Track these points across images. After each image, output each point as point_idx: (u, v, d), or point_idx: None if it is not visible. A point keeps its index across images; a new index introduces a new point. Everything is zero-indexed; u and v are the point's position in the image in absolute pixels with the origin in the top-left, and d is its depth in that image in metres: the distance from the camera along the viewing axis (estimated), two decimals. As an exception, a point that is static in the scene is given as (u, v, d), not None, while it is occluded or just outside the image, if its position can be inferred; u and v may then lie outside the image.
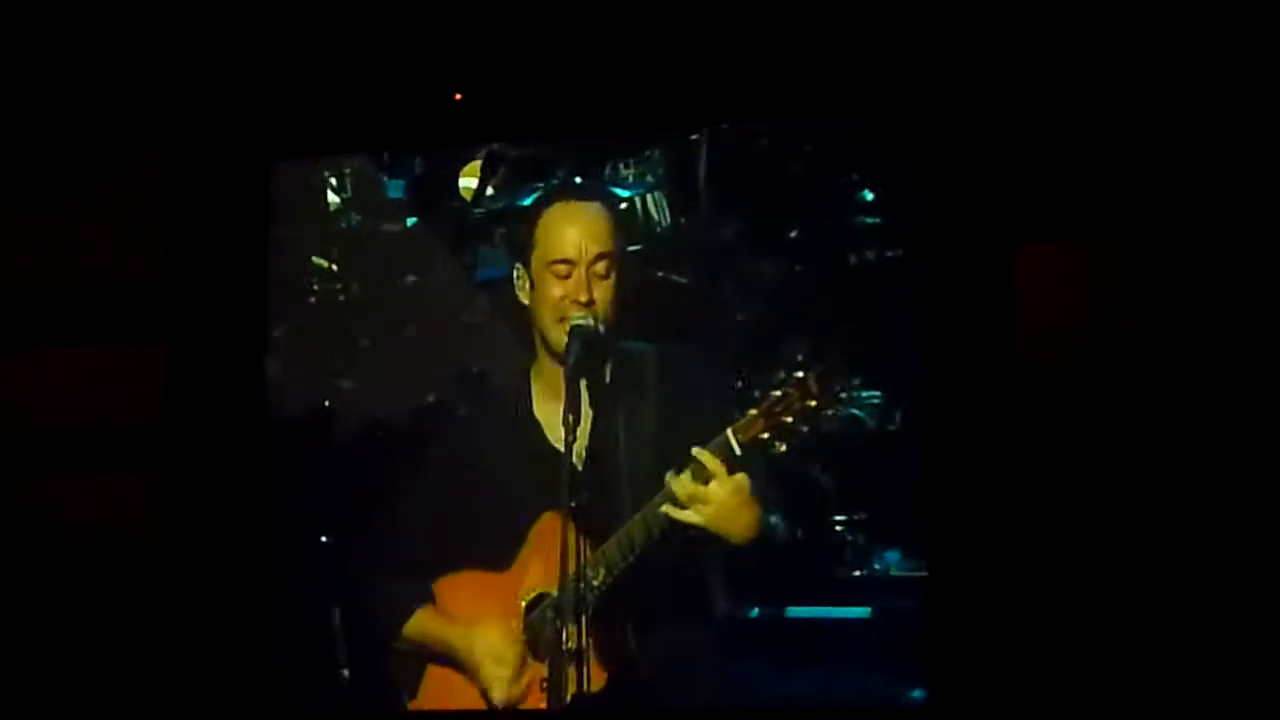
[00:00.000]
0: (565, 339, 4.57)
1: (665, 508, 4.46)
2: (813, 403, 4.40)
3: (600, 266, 4.66)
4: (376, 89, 5.07)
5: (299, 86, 5.11)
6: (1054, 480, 4.56)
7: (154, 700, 5.05)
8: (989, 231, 4.63)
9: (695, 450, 4.43)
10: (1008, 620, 4.51)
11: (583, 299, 4.61)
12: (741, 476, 4.43)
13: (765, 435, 4.41)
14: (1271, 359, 4.45)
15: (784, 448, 4.42)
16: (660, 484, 4.47)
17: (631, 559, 4.52)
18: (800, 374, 4.41)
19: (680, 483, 4.44)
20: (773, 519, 4.55)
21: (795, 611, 4.80)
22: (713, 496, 4.43)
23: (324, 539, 5.09)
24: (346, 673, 4.99)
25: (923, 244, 4.72)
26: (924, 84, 4.73)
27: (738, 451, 4.41)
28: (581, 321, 4.55)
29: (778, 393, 4.41)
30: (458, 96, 5.05)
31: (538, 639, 4.66)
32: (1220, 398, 4.48)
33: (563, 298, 4.66)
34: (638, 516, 4.51)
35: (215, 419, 5.14)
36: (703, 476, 4.43)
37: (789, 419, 4.40)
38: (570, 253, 4.68)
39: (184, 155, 5.22)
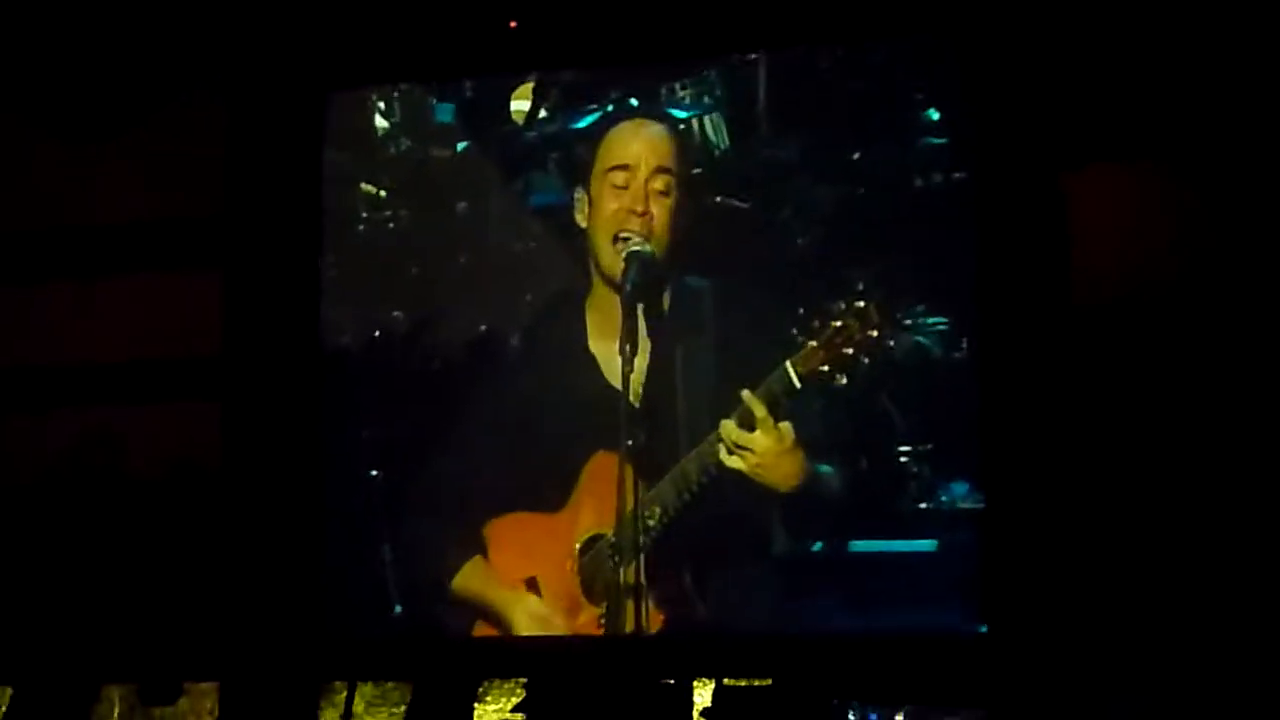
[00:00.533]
0: (620, 261, 4.50)
1: (717, 450, 4.37)
2: (874, 332, 4.29)
3: (659, 182, 4.57)
4: (431, 17, 5.00)
5: (354, 16, 5.05)
6: (1110, 412, 4.46)
7: (214, 625, 5.03)
8: (1043, 156, 4.54)
9: (744, 394, 4.33)
10: (1065, 553, 4.42)
11: (639, 209, 4.50)
12: (786, 425, 4.38)
13: (825, 368, 4.31)
14: None
15: (844, 380, 4.31)
16: (717, 422, 4.40)
17: (688, 498, 4.43)
18: (861, 303, 4.29)
19: (727, 427, 4.36)
20: (821, 468, 4.50)
21: (859, 545, 4.67)
22: (756, 444, 4.37)
23: (373, 473, 4.98)
24: (399, 609, 4.90)
25: (976, 169, 4.60)
26: (977, 4, 4.62)
27: (797, 385, 4.31)
28: (639, 247, 4.45)
29: (838, 323, 4.29)
30: (513, 24, 4.96)
31: (593, 581, 4.58)
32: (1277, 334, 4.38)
33: (619, 209, 4.56)
34: (693, 454, 4.41)
35: (273, 348, 5.10)
36: (748, 423, 4.34)
37: (849, 350, 4.29)
38: (629, 159, 4.59)
39: (239, 86, 5.18)
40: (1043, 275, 4.51)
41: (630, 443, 4.30)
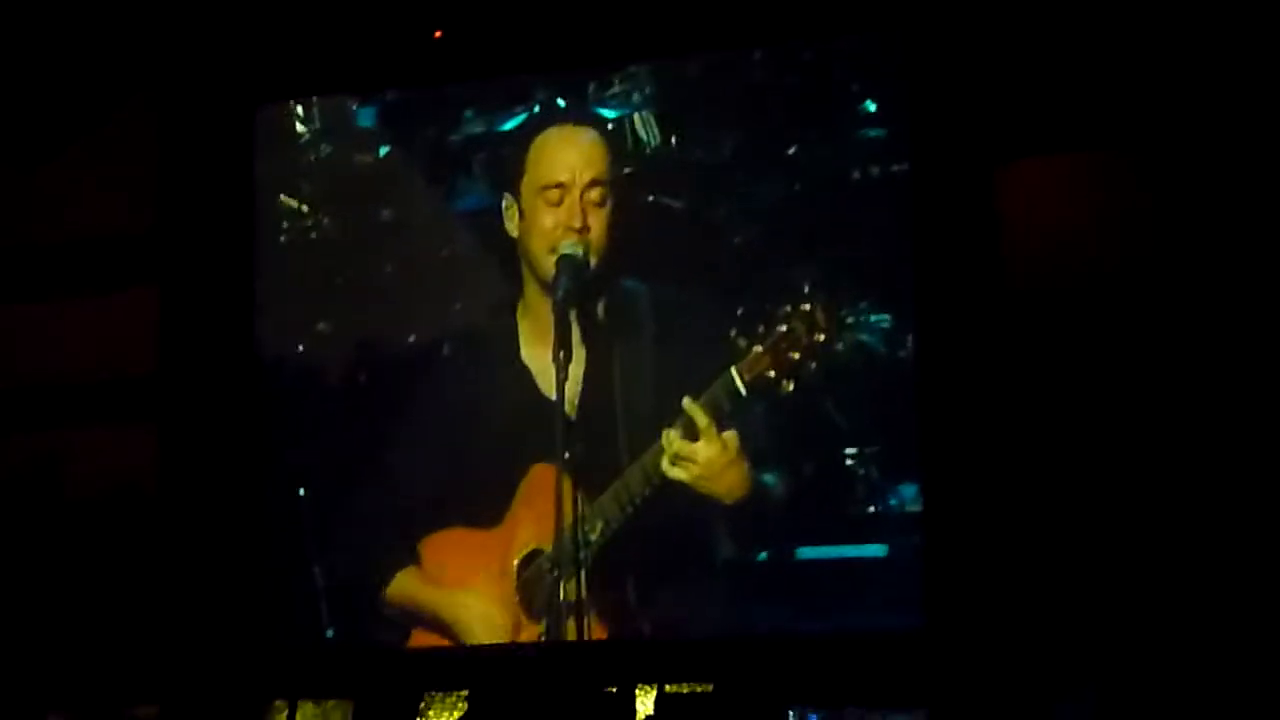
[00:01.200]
0: (552, 270, 4.40)
1: (660, 460, 4.29)
2: (821, 336, 4.19)
3: (595, 194, 4.46)
4: (358, 29, 4.90)
5: (281, 29, 4.96)
6: (1046, 401, 4.40)
7: (154, 647, 4.94)
8: (976, 150, 4.47)
9: (685, 403, 4.23)
10: (1006, 546, 4.34)
11: (576, 225, 4.37)
12: (730, 435, 4.31)
13: (771, 373, 4.20)
14: (1261, 277, 4.31)
15: (791, 386, 4.19)
16: (658, 431, 4.32)
17: (630, 510, 4.31)
18: (806, 306, 4.17)
19: (670, 437, 4.29)
20: (766, 477, 4.41)
21: (806, 552, 4.53)
22: (699, 454, 4.29)
23: (301, 492, 4.83)
24: (330, 633, 4.75)
25: (912, 164, 4.51)
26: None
27: (743, 392, 4.20)
28: (569, 250, 4.32)
29: (783, 327, 4.18)
30: (438, 34, 4.85)
31: (533, 597, 4.44)
32: (1210, 316, 4.34)
33: (554, 227, 4.44)
34: (635, 466, 4.29)
35: (209, 366, 4.99)
36: (691, 433, 4.26)
37: (796, 355, 4.18)
38: (563, 176, 4.49)
39: (169, 104, 5.09)
40: (977, 267, 4.43)
41: (568, 455, 4.17)
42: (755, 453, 4.38)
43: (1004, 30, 4.49)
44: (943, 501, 4.39)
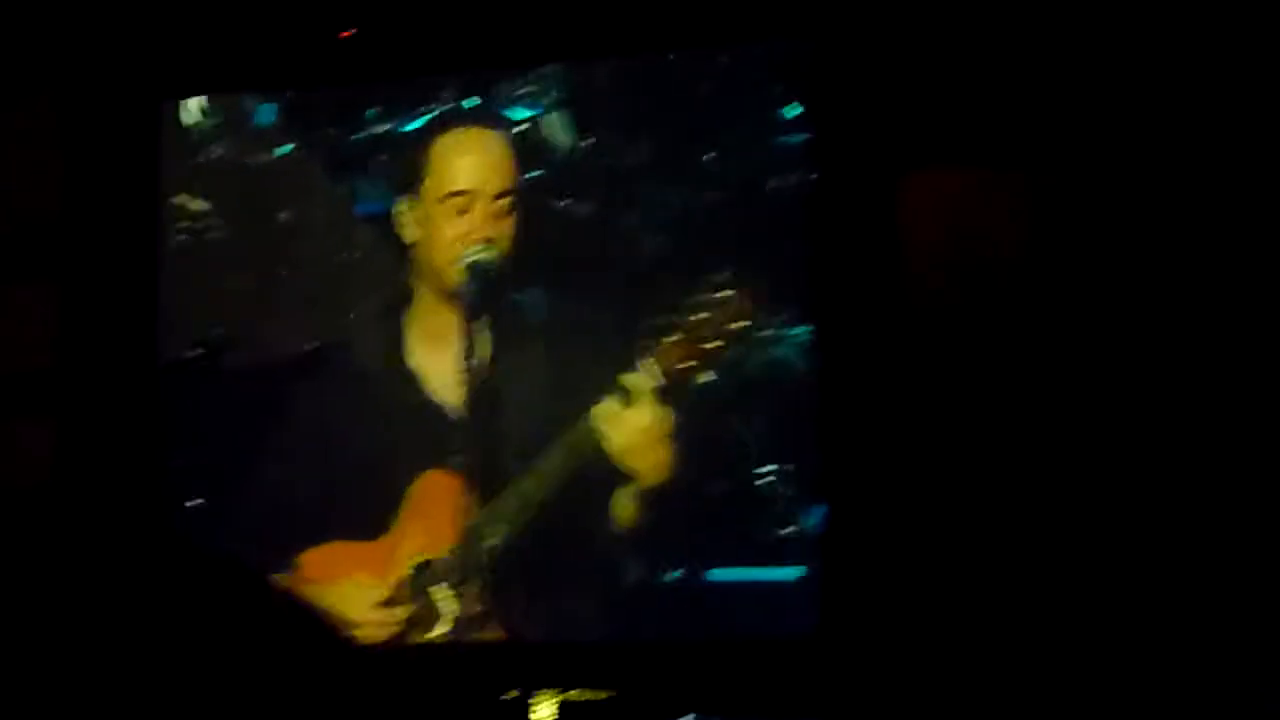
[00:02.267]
0: (460, 278, 4.19)
1: (587, 432, 4.14)
2: (745, 322, 4.00)
3: (502, 203, 4.27)
4: (269, 25, 4.72)
5: (188, 24, 4.78)
6: (947, 419, 4.31)
7: (49, 654, 4.61)
8: (876, 161, 4.35)
9: (623, 378, 4.10)
10: (906, 558, 4.24)
11: (485, 235, 4.19)
12: (666, 410, 4.14)
13: (689, 363, 4.01)
14: (1168, 292, 4.25)
15: (711, 377, 4.01)
16: (552, 438, 4.16)
17: (535, 510, 4.10)
18: (727, 291, 4.00)
19: (600, 408, 4.12)
20: (687, 470, 4.24)
21: (718, 575, 4.35)
22: (630, 420, 4.09)
23: (190, 503, 4.62)
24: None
25: (817, 174, 4.36)
26: (817, 9, 4.42)
27: (657, 382, 4.01)
28: (479, 257, 4.13)
29: (703, 314, 3.99)
30: (344, 34, 4.66)
31: (421, 609, 4.23)
32: (1111, 332, 4.28)
33: (459, 236, 4.25)
34: (540, 462, 4.09)
35: (108, 364, 4.80)
36: (626, 399, 4.10)
37: (718, 342, 3.99)
38: (468, 185, 4.30)
39: (73, 95, 4.90)
40: (877, 280, 4.31)
41: (463, 460, 3.99)
42: (681, 443, 4.24)
43: (915, 41, 4.37)
44: (845, 518, 4.25)
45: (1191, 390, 4.21)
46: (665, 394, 4.14)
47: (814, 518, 4.32)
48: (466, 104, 4.58)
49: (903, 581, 4.22)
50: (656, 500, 4.23)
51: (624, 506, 4.23)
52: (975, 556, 4.24)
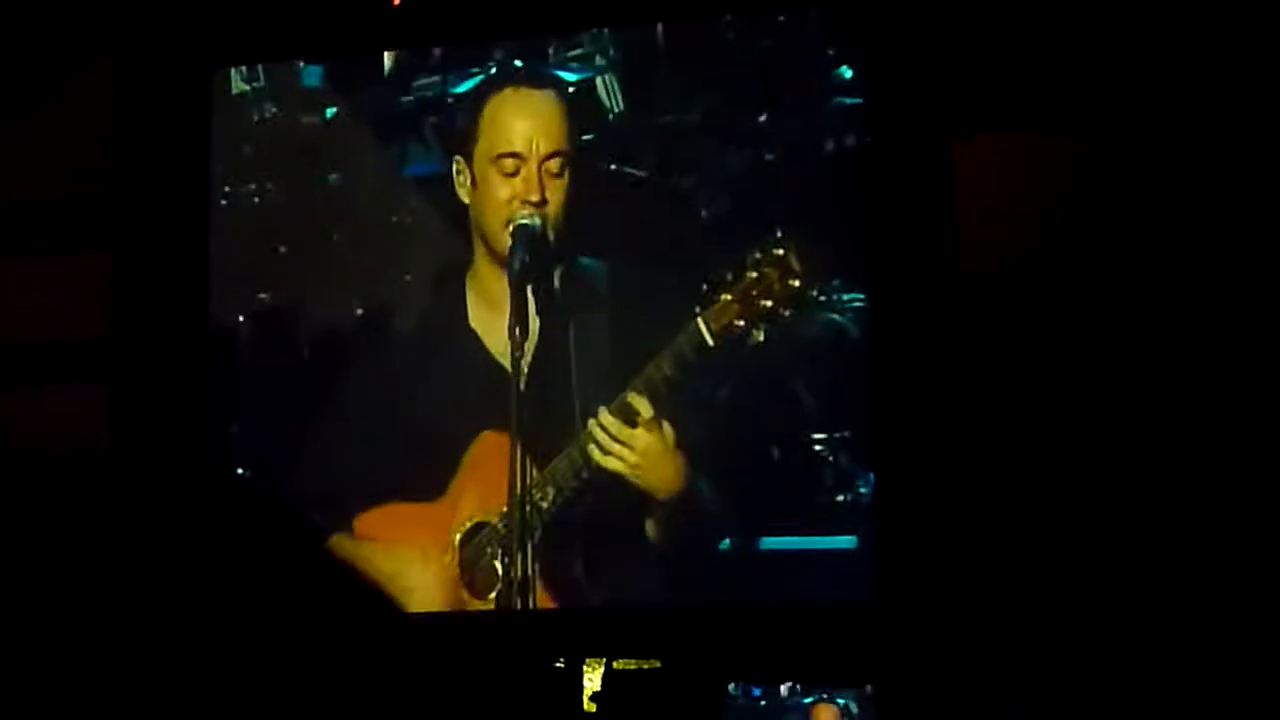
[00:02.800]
0: (508, 241, 4.16)
1: (591, 449, 4.10)
2: (796, 282, 3.94)
3: (553, 164, 4.22)
4: None
5: None
6: (998, 391, 4.25)
7: (103, 614, 4.61)
8: (935, 123, 4.29)
9: (629, 394, 4.05)
10: (958, 530, 4.19)
11: (534, 199, 4.14)
12: (667, 426, 4.10)
13: (741, 322, 3.95)
14: (1224, 264, 4.20)
15: (763, 336, 3.96)
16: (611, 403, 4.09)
17: (586, 476, 4.06)
18: (780, 250, 3.93)
19: (606, 420, 4.07)
20: (701, 481, 4.20)
21: (771, 543, 4.29)
22: (636, 441, 4.05)
23: (240, 471, 4.59)
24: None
25: (871, 137, 4.30)
26: None
27: (709, 341, 3.96)
28: (526, 220, 4.08)
29: (754, 273, 3.93)
30: (396, 2, 4.60)
31: (475, 572, 4.19)
32: (1167, 302, 4.22)
33: (510, 199, 4.20)
34: (589, 429, 4.05)
35: (162, 331, 4.78)
36: (629, 418, 4.06)
37: (768, 302, 3.93)
38: (520, 146, 4.24)
39: (125, 65, 4.89)
40: (931, 244, 4.25)
41: (520, 423, 3.94)
42: (690, 449, 4.19)
43: (969, 5, 4.32)
44: (896, 487, 4.20)
45: (1242, 359, 4.15)
46: (661, 400, 4.10)
47: (868, 486, 4.26)
48: (518, 64, 4.52)
49: (954, 551, 4.16)
50: (675, 504, 4.20)
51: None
52: (1026, 526, 4.18)
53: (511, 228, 4.17)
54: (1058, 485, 4.20)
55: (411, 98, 4.62)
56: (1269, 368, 4.17)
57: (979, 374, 4.25)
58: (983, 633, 4.16)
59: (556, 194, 4.24)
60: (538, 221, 4.17)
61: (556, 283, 4.30)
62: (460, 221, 4.39)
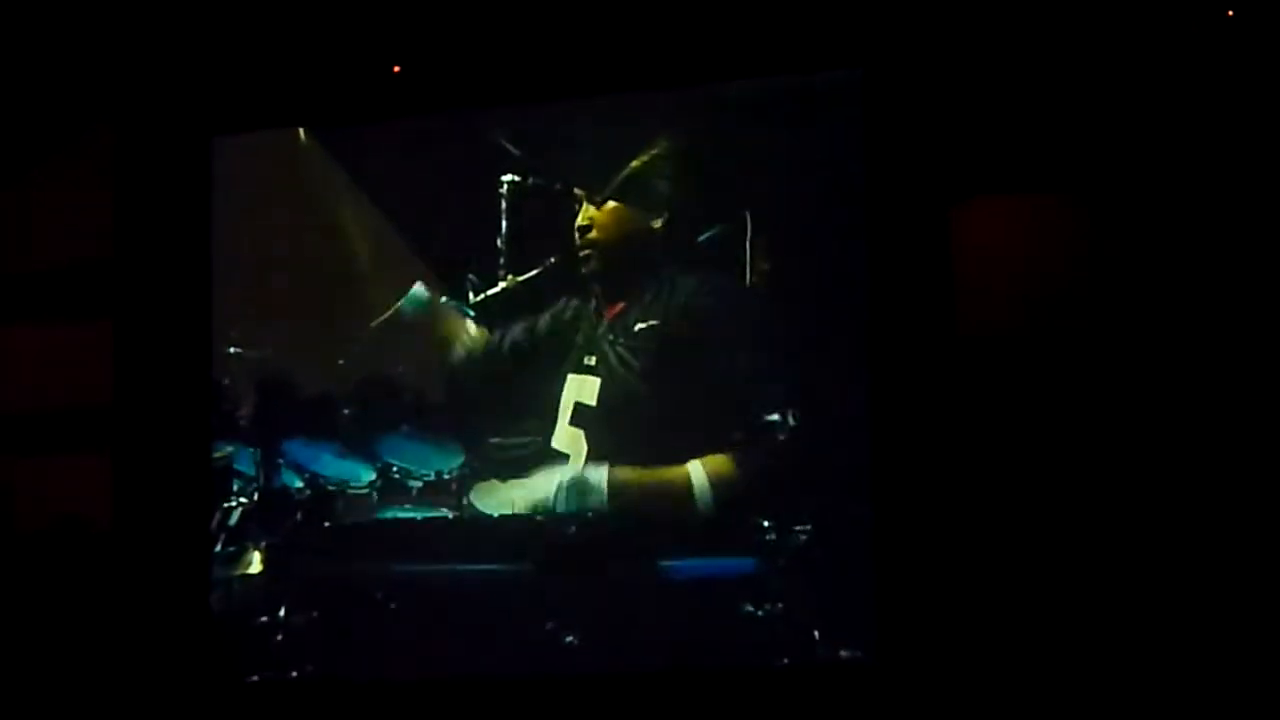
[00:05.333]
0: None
1: None
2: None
3: None
4: (315, 62, 4.81)
5: (238, 62, 4.85)
6: (997, 444, 4.36)
7: (102, 678, 4.84)
8: (931, 189, 4.39)
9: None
10: (954, 580, 4.30)
11: None
12: None
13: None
14: (1217, 319, 4.29)
15: None
16: None
17: None
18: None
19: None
20: None
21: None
22: None
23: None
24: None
25: (866, 204, 4.41)
26: (866, 39, 4.45)
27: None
28: None
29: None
30: (396, 69, 4.75)
31: None
32: (1162, 356, 4.32)
33: None
34: None
35: (163, 398, 4.86)
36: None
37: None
38: None
39: (127, 134, 4.97)
40: (930, 307, 4.35)
41: None
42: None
43: (965, 70, 4.41)
44: (896, 540, 4.31)
45: (1245, 409, 4.21)
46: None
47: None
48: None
49: (959, 618, 4.26)
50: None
51: None
52: (1027, 577, 4.29)
53: None
54: (1061, 540, 4.27)
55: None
56: (1267, 430, 4.21)
57: (981, 433, 4.32)
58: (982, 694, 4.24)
59: None
60: None
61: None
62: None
